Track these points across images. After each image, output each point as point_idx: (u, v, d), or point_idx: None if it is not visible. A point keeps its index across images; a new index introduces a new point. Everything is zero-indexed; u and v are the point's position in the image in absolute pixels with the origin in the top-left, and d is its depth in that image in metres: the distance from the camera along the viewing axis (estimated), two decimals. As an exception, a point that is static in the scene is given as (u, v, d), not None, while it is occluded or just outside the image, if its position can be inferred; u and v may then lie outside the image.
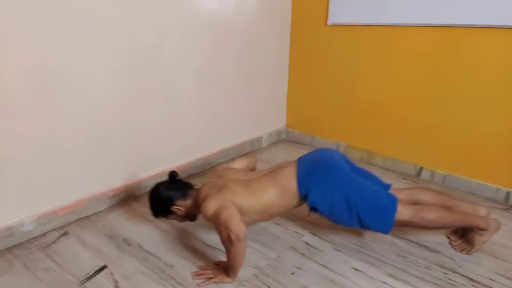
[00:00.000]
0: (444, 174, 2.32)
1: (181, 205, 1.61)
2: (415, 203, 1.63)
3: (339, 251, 1.68)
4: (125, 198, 2.11)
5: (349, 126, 2.74)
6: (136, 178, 2.15)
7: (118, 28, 1.85)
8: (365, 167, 2.60)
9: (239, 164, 1.84)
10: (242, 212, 1.51)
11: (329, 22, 2.62)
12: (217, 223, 1.43)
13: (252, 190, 1.56)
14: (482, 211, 1.65)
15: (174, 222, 1.79)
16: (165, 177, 2.26)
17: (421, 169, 2.42)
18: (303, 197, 1.56)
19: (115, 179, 2.05)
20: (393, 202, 1.54)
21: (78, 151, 1.85)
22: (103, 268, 1.56)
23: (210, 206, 1.47)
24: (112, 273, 1.53)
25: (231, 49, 2.48)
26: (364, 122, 2.64)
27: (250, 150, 2.88)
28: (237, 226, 1.37)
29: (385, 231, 1.56)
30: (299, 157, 1.69)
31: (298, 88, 2.99)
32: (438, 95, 2.24)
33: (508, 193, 2.09)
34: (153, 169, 2.22)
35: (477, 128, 2.13)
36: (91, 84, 1.81)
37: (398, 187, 1.83)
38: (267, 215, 1.62)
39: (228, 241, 1.39)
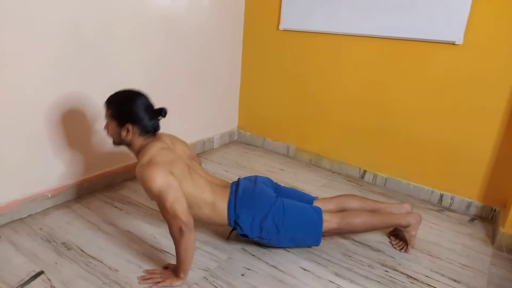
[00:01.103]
0: (385, 177, 2.46)
1: (129, 131, 1.47)
2: (343, 210, 1.74)
3: (288, 251, 1.70)
4: (65, 199, 1.97)
5: (299, 129, 2.81)
6: (77, 177, 2.02)
7: (60, 15, 1.74)
8: (313, 169, 2.68)
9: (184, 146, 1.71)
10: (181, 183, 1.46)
11: (281, 27, 2.67)
12: (163, 207, 1.36)
13: (196, 184, 1.53)
14: (406, 207, 1.79)
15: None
16: (110, 178, 2.18)
17: (364, 172, 2.54)
18: (231, 224, 1.59)
19: (54, 179, 1.92)
20: (319, 214, 1.63)
21: (11, 148, 1.70)
22: (39, 274, 1.44)
23: (155, 177, 1.35)
24: (49, 279, 1.42)
25: (183, 48, 2.44)
26: (313, 126, 2.72)
27: (201, 150, 2.84)
28: (187, 215, 1.34)
29: (316, 243, 1.66)
30: (232, 183, 1.68)
31: (251, 91, 3.01)
32: (380, 102, 2.37)
33: (441, 195, 2.27)
34: (96, 169, 2.11)
35: (414, 134, 2.29)
36: (27, 76, 1.68)
37: (330, 194, 1.92)
38: (195, 210, 1.54)
39: (178, 233, 1.34)
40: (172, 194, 1.36)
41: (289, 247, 1.71)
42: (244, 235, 1.60)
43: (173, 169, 1.43)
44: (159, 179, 1.36)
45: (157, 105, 2.33)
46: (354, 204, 1.77)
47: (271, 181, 1.80)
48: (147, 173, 1.38)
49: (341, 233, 1.72)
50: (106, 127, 1.54)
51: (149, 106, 1.51)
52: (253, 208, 1.57)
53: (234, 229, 1.62)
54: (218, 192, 1.60)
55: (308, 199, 1.75)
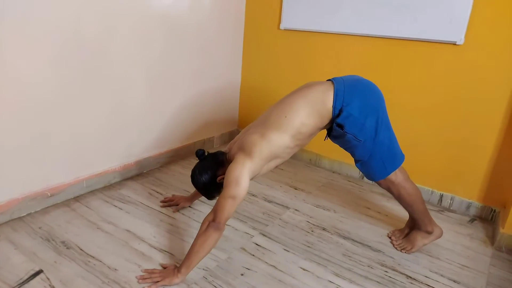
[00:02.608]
0: (385, 177, 2.45)
1: (223, 173, 1.53)
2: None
3: (288, 251, 1.70)
4: (65, 198, 1.97)
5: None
6: (77, 176, 2.02)
7: (60, 14, 1.73)
8: (313, 169, 2.68)
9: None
10: (278, 154, 1.49)
11: (282, 26, 2.67)
12: (221, 196, 1.40)
13: (277, 124, 1.48)
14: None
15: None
16: (110, 176, 2.18)
17: (365, 172, 2.54)
18: (335, 114, 1.48)
19: (54, 177, 1.91)
20: (402, 157, 1.60)
21: (11, 146, 1.69)
22: (38, 273, 1.44)
23: (232, 173, 1.41)
24: (48, 278, 1.41)
25: (183, 47, 2.43)
26: (313, 126, 2.71)
27: (200, 150, 2.83)
28: (225, 215, 1.37)
29: (379, 177, 1.60)
30: (333, 78, 1.59)
31: (251, 90, 3.01)
32: (382, 102, 2.36)
33: (441, 196, 2.26)
34: (96, 167, 2.11)
35: (414, 134, 2.28)
36: (28, 75, 1.68)
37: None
38: (302, 136, 1.50)
39: (206, 223, 1.38)
40: (234, 190, 1.38)
41: (288, 246, 1.71)
42: (340, 126, 1.48)
43: (249, 153, 1.45)
44: (235, 171, 1.41)
45: (157, 105, 2.35)
46: (405, 175, 1.68)
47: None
48: (227, 173, 1.44)
49: (391, 190, 1.63)
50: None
51: (197, 165, 1.63)
52: (365, 103, 1.49)
53: (334, 122, 1.50)
54: (315, 91, 1.51)
55: None
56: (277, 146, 1.48)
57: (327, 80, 1.59)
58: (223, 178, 1.49)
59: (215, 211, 1.39)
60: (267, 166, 1.54)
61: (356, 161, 1.64)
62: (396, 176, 1.60)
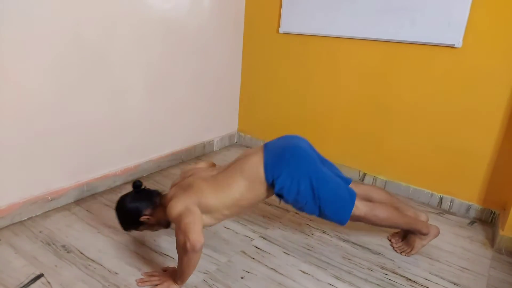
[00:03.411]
0: (385, 180, 2.46)
1: (150, 214, 1.52)
2: (368, 200, 1.70)
3: (288, 254, 1.70)
4: (65, 202, 1.98)
5: (299, 132, 2.79)
6: (78, 180, 2.03)
7: (61, 17, 1.74)
8: (313, 172, 2.68)
9: (203, 164, 1.79)
10: (211, 210, 1.48)
11: (281, 30, 2.68)
12: (178, 227, 1.38)
13: (220, 186, 1.52)
14: (423, 217, 1.77)
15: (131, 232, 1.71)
16: (110, 180, 2.18)
17: (364, 175, 2.55)
18: (271, 185, 1.53)
19: (54, 181, 1.92)
20: (352, 196, 1.60)
21: (12, 150, 1.70)
22: (39, 276, 1.44)
23: (175, 207, 1.41)
24: (49, 282, 1.42)
25: (183, 50, 2.45)
26: (312, 129, 2.72)
27: (201, 153, 2.84)
28: (196, 235, 1.32)
29: (342, 223, 1.60)
30: (265, 144, 1.66)
31: (251, 93, 3.02)
32: (380, 105, 2.37)
33: (441, 198, 2.27)
34: (97, 171, 2.11)
35: (414, 137, 2.29)
36: (28, 78, 1.69)
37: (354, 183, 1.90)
38: (238, 208, 1.56)
39: (183, 249, 1.34)
40: (189, 217, 1.37)
41: (288, 249, 1.72)
42: (280, 195, 1.55)
43: (190, 194, 1.46)
44: (178, 206, 1.41)
45: (157, 108, 2.36)
46: (381, 196, 1.74)
47: (311, 145, 1.77)
48: (169, 211, 1.43)
49: (364, 221, 1.64)
50: (150, 230, 1.63)
51: (133, 195, 1.56)
52: (294, 169, 1.53)
53: (274, 192, 1.56)
54: (249, 165, 1.56)
55: (344, 179, 1.71)
56: (212, 203, 1.49)
57: (262, 147, 1.64)
58: (148, 219, 1.51)
59: (185, 235, 1.33)
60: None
61: (316, 216, 1.66)
62: (359, 210, 1.60)
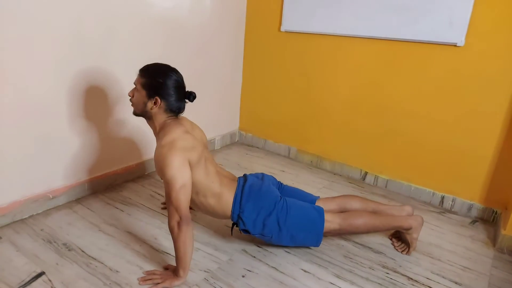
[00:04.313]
0: (386, 179, 2.46)
1: (157, 105, 1.44)
2: (344, 210, 1.74)
3: (289, 253, 1.70)
4: (67, 200, 1.98)
5: (300, 131, 2.81)
6: (79, 178, 2.03)
7: (62, 15, 1.74)
8: (314, 171, 2.68)
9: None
10: (195, 186, 1.50)
11: (283, 28, 2.68)
12: (169, 194, 1.37)
13: (207, 172, 1.55)
14: (407, 210, 1.79)
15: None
16: (111, 178, 2.18)
17: (366, 174, 2.54)
18: (234, 218, 1.60)
19: (55, 179, 1.92)
20: (320, 214, 1.62)
21: (13, 149, 1.70)
22: (40, 274, 1.44)
23: (172, 162, 1.35)
24: (50, 280, 1.42)
25: (184, 49, 2.44)
26: (314, 128, 2.72)
27: (201, 152, 2.84)
28: (185, 209, 1.35)
29: (316, 244, 1.65)
30: (239, 178, 1.71)
31: (252, 92, 3.01)
32: (382, 104, 2.37)
33: (443, 197, 2.26)
34: (97, 170, 2.11)
35: (415, 136, 2.28)
36: (29, 77, 1.68)
37: (331, 195, 1.91)
38: (199, 202, 1.58)
39: (177, 226, 1.36)
40: (181, 183, 1.36)
41: (289, 247, 1.71)
42: (246, 231, 1.60)
43: (191, 156, 1.44)
44: (176, 165, 1.36)
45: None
46: (356, 205, 1.77)
47: (275, 179, 1.82)
48: (166, 156, 1.37)
49: (343, 234, 1.71)
50: (132, 94, 1.51)
51: (181, 86, 1.49)
52: (258, 205, 1.58)
53: (235, 224, 1.62)
54: (225, 184, 1.61)
55: (310, 199, 1.75)
56: (201, 183, 1.52)
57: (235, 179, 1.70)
58: (154, 105, 1.44)
59: (174, 211, 1.35)
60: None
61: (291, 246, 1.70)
62: (332, 223, 1.62)
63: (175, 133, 1.44)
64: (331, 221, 1.62)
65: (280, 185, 1.82)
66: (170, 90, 1.45)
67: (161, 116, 1.49)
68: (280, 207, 1.59)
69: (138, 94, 1.49)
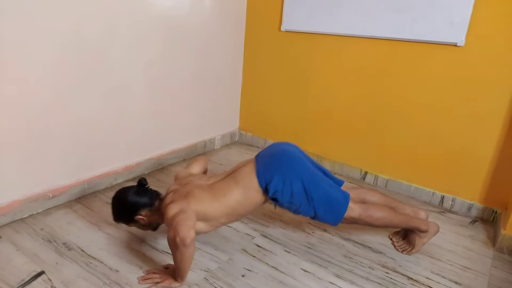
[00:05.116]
0: (386, 178, 2.46)
1: (145, 215, 1.53)
2: (362, 202, 1.71)
3: (289, 252, 1.70)
4: (67, 199, 1.98)
5: (300, 130, 2.80)
6: (79, 178, 2.02)
7: (61, 15, 1.74)
8: (314, 171, 2.68)
9: (196, 168, 1.81)
10: (209, 218, 1.50)
11: (283, 28, 2.67)
12: (169, 225, 1.39)
13: (217, 195, 1.54)
14: (422, 215, 1.77)
15: (124, 226, 1.71)
16: (111, 178, 2.18)
17: (366, 173, 2.54)
18: (265, 190, 1.57)
19: (56, 179, 1.92)
20: (346, 197, 1.61)
21: (13, 147, 1.70)
22: (40, 274, 1.44)
23: (173, 209, 1.43)
24: (50, 279, 1.42)
25: (184, 49, 2.44)
26: (314, 127, 2.72)
27: (202, 151, 2.84)
28: (185, 230, 1.33)
29: (334, 223, 1.63)
30: (257, 154, 1.70)
31: (252, 91, 3.01)
32: (382, 103, 2.37)
33: (442, 197, 2.26)
34: (98, 169, 2.11)
35: (416, 136, 2.28)
36: (29, 77, 1.68)
37: (347, 186, 1.89)
38: (236, 216, 1.60)
39: (173, 244, 1.35)
40: (182, 215, 1.39)
41: (289, 246, 1.71)
42: (275, 199, 1.58)
43: (188, 200, 1.47)
44: (176, 208, 1.43)
45: (158, 106, 2.36)
46: (374, 198, 1.76)
47: (301, 150, 1.78)
48: (166, 213, 1.44)
49: (359, 223, 1.67)
50: (139, 228, 1.64)
51: (136, 190, 1.56)
52: (283, 172, 1.57)
53: (269, 196, 1.59)
54: (242, 174, 1.60)
55: (336, 181, 1.74)
56: (210, 211, 1.51)
57: (254, 157, 1.68)
58: (141, 219, 1.53)
59: (175, 229, 1.35)
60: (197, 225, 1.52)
61: (310, 218, 1.67)
62: (353, 211, 1.61)
63: (167, 207, 1.48)
64: (352, 209, 1.61)
65: (309, 158, 1.77)
66: (132, 203, 1.53)
67: (156, 213, 1.55)
68: (309, 176, 1.58)
69: (135, 226, 1.61)
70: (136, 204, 1.52)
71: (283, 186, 1.55)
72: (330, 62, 2.53)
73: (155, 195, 1.58)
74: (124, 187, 1.58)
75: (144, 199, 1.53)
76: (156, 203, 1.56)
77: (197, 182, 1.62)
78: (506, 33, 1.90)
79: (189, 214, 1.42)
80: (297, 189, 1.56)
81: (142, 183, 1.58)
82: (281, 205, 1.61)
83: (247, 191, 1.56)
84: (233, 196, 1.54)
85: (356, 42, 2.39)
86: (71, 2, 1.75)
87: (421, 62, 2.18)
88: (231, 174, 1.63)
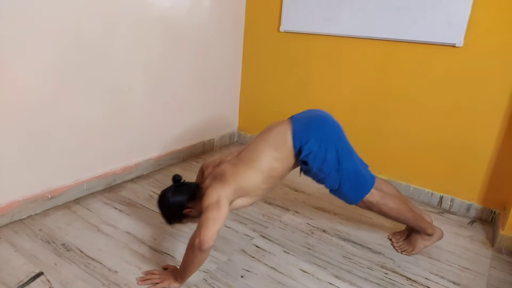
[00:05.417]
0: (385, 179, 2.45)
1: (191, 207, 1.52)
2: (380, 190, 1.69)
3: (288, 253, 1.70)
4: (65, 200, 1.98)
5: (299, 131, 2.80)
6: (78, 178, 2.02)
7: (61, 16, 1.74)
8: (313, 171, 2.68)
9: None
10: (249, 191, 1.49)
11: (282, 29, 2.68)
12: (202, 216, 1.38)
13: (248, 162, 1.51)
14: (428, 218, 1.77)
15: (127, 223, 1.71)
16: (110, 178, 2.18)
17: (365, 174, 2.54)
18: (297, 152, 1.53)
19: (54, 180, 1.92)
20: (372, 179, 1.62)
21: (11, 148, 1.70)
22: (38, 275, 1.44)
23: (209, 197, 1.40)
24: (49, 280, 1.42)
25: (183, 49, 2.44)
26: (313, 128, 2.72)
27: (201, 152, 2.84)
28: (208, 234, 1.31)
29: (354, 201, 1.62)
30: (291, 116, 1.66)
31: (251, 92, 3.01)
32: (380, 104, 2.37)
33: (441, 198, 2.26)
34: (96, 170, 2.11)
35: (414, 137, 2.29)
36: (28, 77, 1.68)
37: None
38: (273, 179, 1.55)
39: (191, 243, 1.35)
40: (213, 213, 1.36)
41: (288, 247, 1.71)
42: (305, 163, 1.54)
43: (224, 182, 1.45)
44: (213, 196, 1.41)
45: (157, 106, 2.36)
46: (389, 190, 1.74)
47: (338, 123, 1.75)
48: (204, 201, 1.42)
49: (373, 209, 1.65)
50: (193, 222, 1.63)
51: (174, 189, 1.56)
52: (320, 136, 1.54)
53: (300, 158, 1.54)
54: (276, 133, 1.57)
55: (364, 164, 1.72)
56: (249, 182, 1.49)
57: (288, 119, 1.64)
58: (190, 212, 1.52)
59: (199, 230, 1.35)
60: (239, 202, 1.52)
61: (329, 190, 1.66)
62: (372, 196, 1.60)
63: (208, 200, 1.45)
64: (372, 193, 1.60)
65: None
66: (176, 201, 1.53)
67: (199, 201, 1.50)
68: (344, 146, 1.57)
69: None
70: (179, 202, 1.52)
71: (318, 149, 1.51)
72: (329, 63, 2.54)
73: (193, 186, 1.58)
74: (162, 191, 1.58)
75: (184, 194, 1.53)
76: (197, 192, 1.55)
77: (226, 159, 1.60)
78: (505, 33, 1.91)
79: (220, 214, 1.37)
80: (330, 157, 1.52)
81: (176, 179, 1.58)
82: (309, 171, 1.57)
83: (278, 151, 1.53)
84: (265, 159, 1.51)
85: (355, 43, 2.39)
86: (71, 2, 1.75)
87: (419, 63, 2.19)
88: (262, 136, 1.59)
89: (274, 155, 1.53)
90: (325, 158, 1.52)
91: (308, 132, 1.53)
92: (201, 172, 1.72)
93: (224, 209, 1.39)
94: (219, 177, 1.48)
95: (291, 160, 1.56)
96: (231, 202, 1.47)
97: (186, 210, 1.52)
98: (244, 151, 1.58)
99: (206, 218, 1.35)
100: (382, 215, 1.69)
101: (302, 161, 1.55)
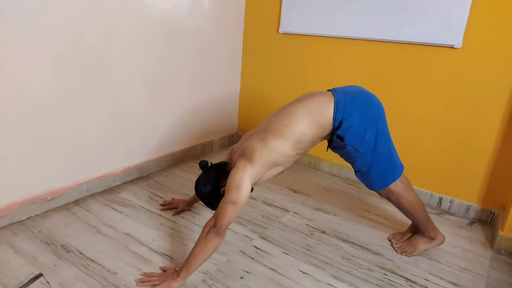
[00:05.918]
0: (385, 180, 2.46)
1: (226, 185, 1.50)
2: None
3: (288, 254, 1.70)
4: (65, 202, 1.98)
5: (298, 132, 2.80)
6: (77, 180, 2.02)
7: (60, 18, 1.74)
8: (313, 172, 2.69)
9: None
10: (279, 161, 1.49)
11: (281, 30, 2.68)
12: (223, 199, 1.39)
13: (280, 128, 1.46)
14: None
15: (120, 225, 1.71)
16: (110, 180, 2.18)
17: (364, 175, 2.54)
18: (335, 125, 1.47)
19: (54, 181, 1.92)
20: (402, 167, 1.62)
21: (11, 150, 1.70)
22: (38, 276, 1.44)
23: (232, 179, 1.40)
24: (48, 282, 1.42)
25: (183, 51, 2.44)
26: (312, 129, 2.72)
27: (201, 153, 2.84)
28: (226, 218, 1.35)
29: (379, 187, 1.61)
30: (333, 88, 1.58)
31: (250, 93, 3.02)
32: (381, 105, 2.37)
33: (440, 199, 2.27)
34: (96, 171, 2.11)
35: (413, 138, 2.29)
36: (28, 79, 1.68)
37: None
38: (302, 145, 1.49)
39: (207, 229, 1.37)
40: (235, 196, 1.37)
41: (287, 248, 1.72)
42: (340, 138, 1.48)
43: (251, 158, 1.44)
44: (238, 176, 1.40)
45: (156, 108, 2.36)
46: (410, 185, 1.73)
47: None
48: (230, 177, 1.43)
49: (391, 200, 1.64)
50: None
51: (204, 175, 1.61)
52: (365, 113, 1.48)
53: (337, 132, 1.48)
54: (316, 102, 1.50)
55: None
56: (278, 153, 1.47)
57: (328, 90, 1.59)
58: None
59: (216, 216, 1.39)
60: (269, 173, 1.52)
61: (356, 171, 1.63)
62: (395, 185, 1.61)
63: (232, 179, 1.45)
64: (396, 183, 1.59)
65: None
66: (211, 186, 1.58)
67: (227, 174, 1.52)
68: (383, 130, 1.52)
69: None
70: (213, 186, 1.56)
71: (359, 126, 1.45)
72: (329, 65, 2.54)
73: (221, 165, 1.62)
74: (196, 181, 1.63)
75: (215, 176, 1.58)
76: (226, 169, 1.57)
77: (251, 133, 1.59)
78: (504, 34, 1.91)
79: (241, 197, 1.36)
80: (369, 136, 1.47)
81: (203, 165, 1.62)
82: (341, 147, 1.51)
83: (316, 120, 1.47)
84: (299, 124, 1.46)
85: (354, 44, 2.40)
86: (70, 5, 1.76)
87: (418, 64, 2.19)
88: (301, 102, 1.52)
89: (309, 121, 1.47)
90: (364, 136, 1.47)
91: (352, 107, 1.47)
92: (231, 151, 1.70)
93: (244, 191, 1.38)
94: (247, 154, 1.46)
95: (325, 131, 1.50)
96: (257, 181, 1.48)
97: (223, 189, 1.52)
98: (273, 123, 1.51)
99: (225, 204, 1.37)
100: (398, 207, 1.69)
101: (337, 136, 1.49)
